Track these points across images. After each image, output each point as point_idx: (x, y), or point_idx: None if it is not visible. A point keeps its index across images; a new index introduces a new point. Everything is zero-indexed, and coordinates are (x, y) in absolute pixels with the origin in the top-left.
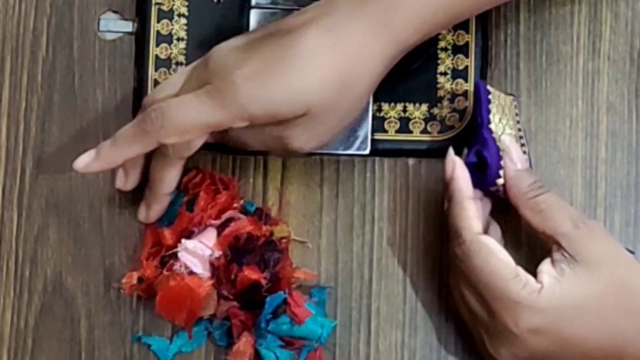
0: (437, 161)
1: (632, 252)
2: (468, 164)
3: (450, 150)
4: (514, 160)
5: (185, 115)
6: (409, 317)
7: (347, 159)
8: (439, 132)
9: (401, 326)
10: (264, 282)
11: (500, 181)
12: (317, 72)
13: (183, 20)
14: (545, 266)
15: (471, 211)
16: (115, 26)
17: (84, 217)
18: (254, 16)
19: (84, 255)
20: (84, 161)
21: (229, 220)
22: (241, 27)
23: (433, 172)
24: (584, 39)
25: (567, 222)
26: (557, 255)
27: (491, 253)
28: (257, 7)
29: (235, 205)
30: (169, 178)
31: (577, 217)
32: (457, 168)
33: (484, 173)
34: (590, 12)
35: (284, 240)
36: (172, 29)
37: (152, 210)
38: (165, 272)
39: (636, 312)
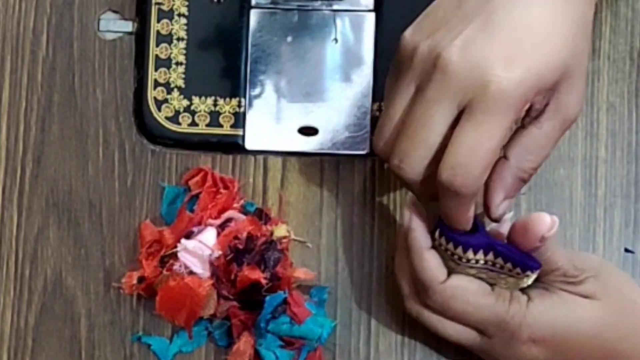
0: None
1: (632, 252)
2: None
3: (410, 199)
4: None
5: (484, 149)
6: (409, 317)
7: (347, 159)
8: None
9: (401, 326)
10: (264, 282)
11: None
12: (562, 31)
13: (183, 20)
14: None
15: (431, 261)
16: (115, 26)
17: (84, 217)
18: (254, 16)
19: (84, 255)
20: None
21: (229, 220)
22: (241, 27)
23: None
24: None
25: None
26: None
27: (464, 291)
28: (257, 7)
29: (235, 205)
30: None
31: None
32: (413, 219)
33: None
34: None
35: (284, 240)
36: (172, 29)
37: None
38: (165, 272)
39: (632, 335)
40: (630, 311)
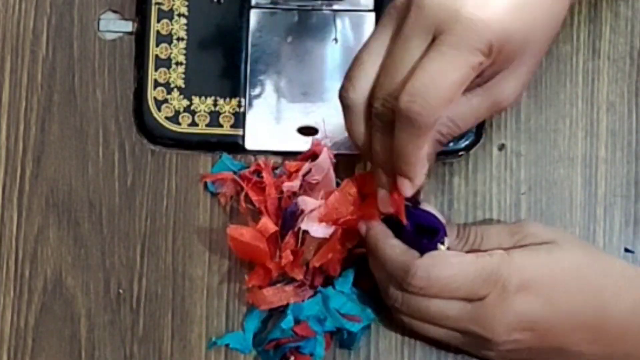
0: (436, 161)
1: (632, 252)
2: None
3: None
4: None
5: (445, 82)
6: None
7: (347, 158)
8: None
9: (401, 326)
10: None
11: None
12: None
13: (183, 20)
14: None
15: (399, 246)
16: (115, 26)
17: (84, 217)
18: (254, 16)
19: (84, 255)
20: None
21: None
22: (241, 27)
23: (432, 172)
24: (584, 38)
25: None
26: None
27: (445, 256)
28: (257, 7)
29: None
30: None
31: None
32: (368, 223)
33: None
34: (590, 12)
35: None
36: (172, 29)
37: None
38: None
39: (611, 274)
40: (598, 256)
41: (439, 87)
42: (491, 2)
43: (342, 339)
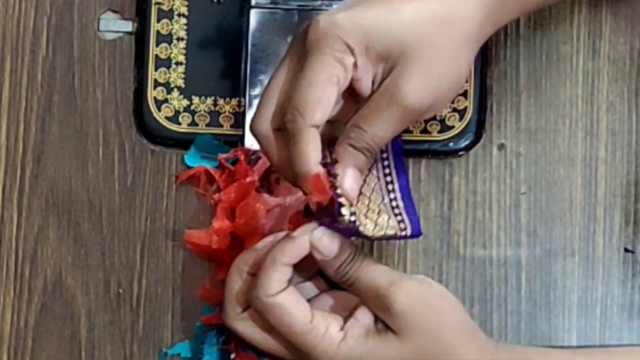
0: (436, 161)
1: (632, 252)
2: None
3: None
4: (321, 252)
5: (309, 84)
6: None
7: None
8: (439, 132)
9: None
10: None
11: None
12: (411, 9)
13: (183, 20)
14: (362, 316)
15: (268, 271)
16: (115, 26)
17: (84, 217)
18: (254, 16)
19: (84, 255)
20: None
21: None
22: (241, 27)
23: (432, 172)
24: (584, 38)
25: (372, 300)
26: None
27: (284, 311)
28: (257, 7)
29: None
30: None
31: (384, 292)
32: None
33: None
34: (590, 12)
35: None
36: (172, 29)
37: None
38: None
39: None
40: (446, 356)
41: (306, 94)
42: (352, 10)
43: None
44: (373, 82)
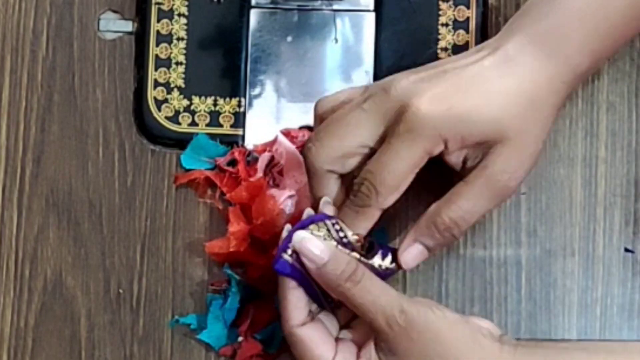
0: (436, 161)
1: (632, 252)
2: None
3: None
4: (311, 260)
5: (394, 170)
6: None
7: None
8: None
9: None
10: None
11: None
12: (504, 93)
13: (183, 20)
14: (367, 352)
15: (291, 302)
16: (115, 26)
17: (84, 217)
18: (254, 16)
19: (84, 255)
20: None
21: None
22: (241, 27)
23: (432, 170)
24: None
25: (379, 319)
26: (379, 342)
27: (306, 348)
28: (257, 7)
29: None
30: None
31: (391, 313)
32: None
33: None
34: None
35: None
36: (172, 29)
37: None
38: None
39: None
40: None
41: (384, 175)
42: (447, 98)
43: None
44: (464, 161)
